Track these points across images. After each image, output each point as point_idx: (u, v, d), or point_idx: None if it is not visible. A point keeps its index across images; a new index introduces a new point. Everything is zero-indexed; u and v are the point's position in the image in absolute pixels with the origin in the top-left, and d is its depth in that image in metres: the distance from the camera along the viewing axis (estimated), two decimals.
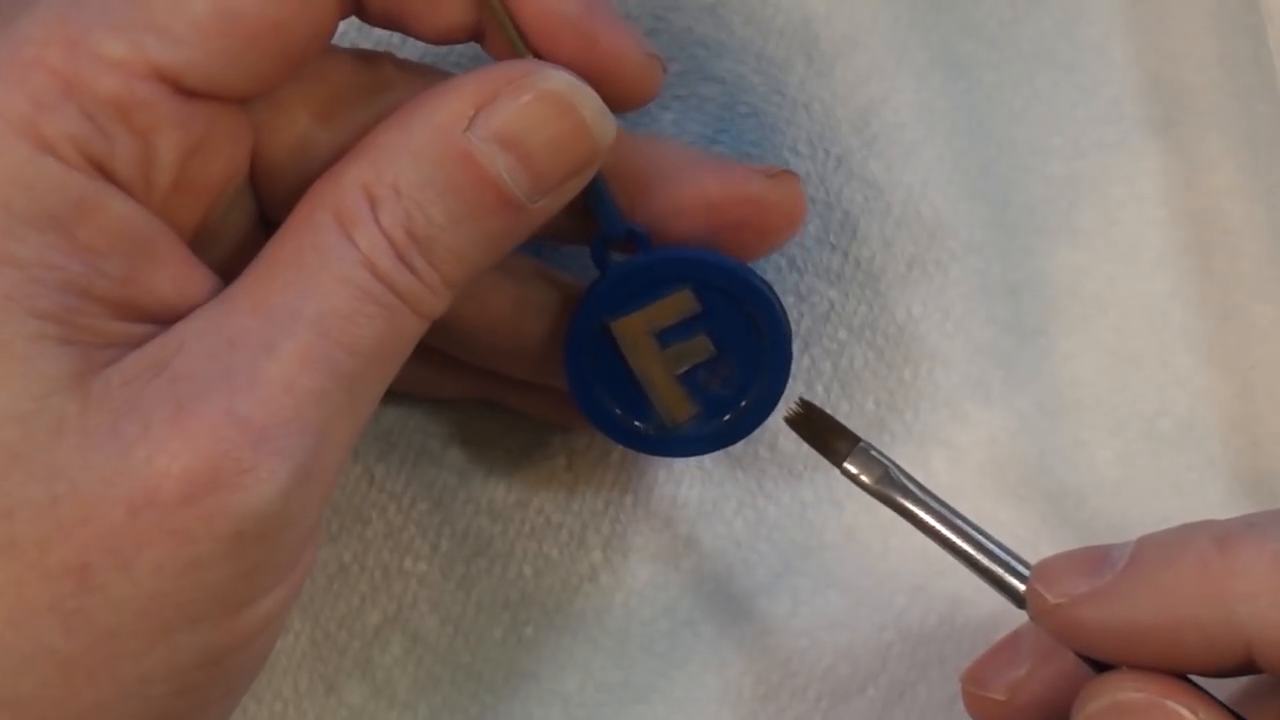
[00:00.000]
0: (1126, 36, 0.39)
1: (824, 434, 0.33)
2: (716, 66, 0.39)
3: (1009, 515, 0.38)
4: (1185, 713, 0.29)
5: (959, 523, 0.32)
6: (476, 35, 0.32)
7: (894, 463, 0.33)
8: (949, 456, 0.39)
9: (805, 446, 0.36)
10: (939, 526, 0.32)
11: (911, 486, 0.32)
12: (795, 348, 0.37)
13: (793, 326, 0.36)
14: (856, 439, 0.33)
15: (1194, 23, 0.39)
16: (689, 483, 0.39)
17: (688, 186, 0.34)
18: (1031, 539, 0.38)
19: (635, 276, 0.34)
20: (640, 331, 0.34)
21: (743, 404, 0.35)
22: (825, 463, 0.36)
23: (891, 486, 0.32)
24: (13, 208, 0.27)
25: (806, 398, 0.34)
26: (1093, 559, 0.30)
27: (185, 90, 0.29)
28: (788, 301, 0.39)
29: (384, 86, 0.32)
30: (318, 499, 0.29)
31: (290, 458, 0.28)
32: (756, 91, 0.39)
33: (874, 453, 0.33)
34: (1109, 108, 0.39)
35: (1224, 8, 0.39)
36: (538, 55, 0.31)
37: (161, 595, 0.27)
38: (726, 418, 0.35)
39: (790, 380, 0.35)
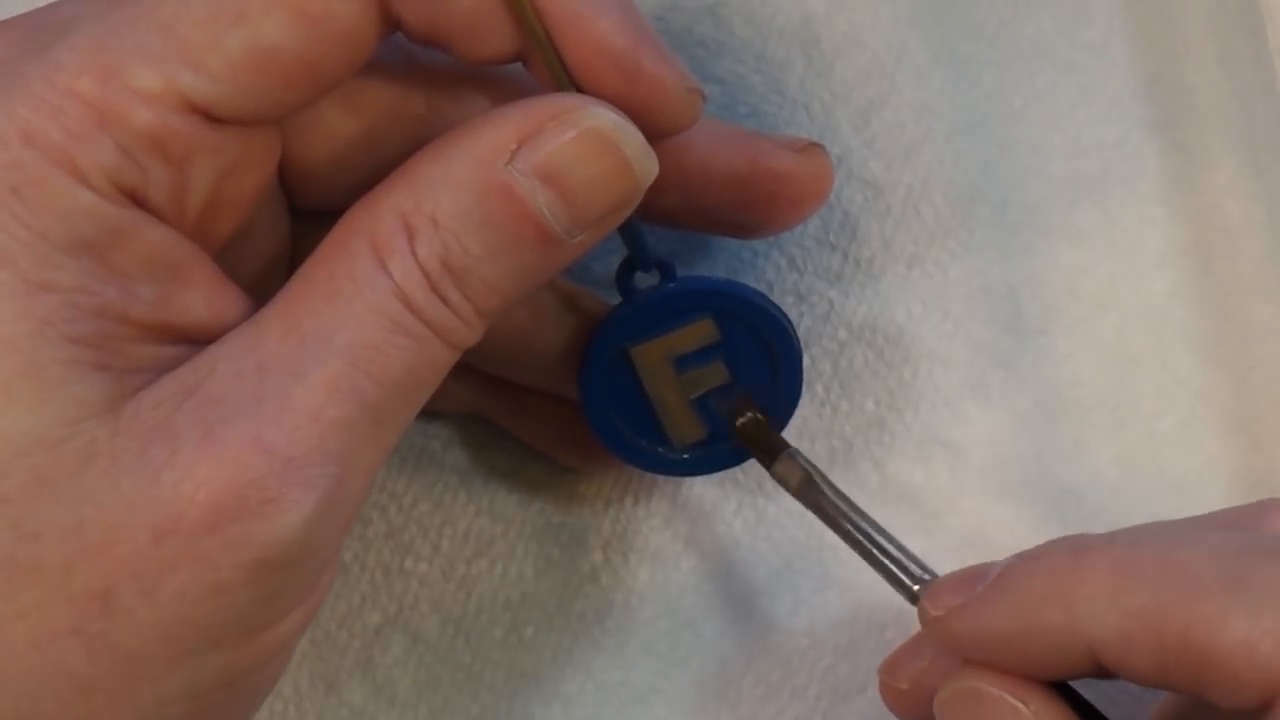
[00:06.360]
0: (1126, 36, 0.39)
1: (762, 441, 0.35)
2: (716, 66, 0.39)
3: (1009, 515, 0.39)
4: (1017, 704, 0.31)
5: (866, 527, 0.34)
6: (519, 59, 0.31)
7: (817, 469, 0.35)
8: (949, 456, 0.39)
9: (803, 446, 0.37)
10: (849, 529, 0.34)
11: (829, 492, 0.34)
12: None
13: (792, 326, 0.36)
14: (785, 444, 0.35)
15: (1194, 23, 0.39)
16: (689, 483, 0.39)
17: (717, 162, 0.34)
18: (1031, 538, 0.38)
19: (659, 305, 0.34)
20: (658, 357, 0.35)
21: None
22: (824, 462, 0.38)
23: (814, 490, 0.35)
24: (50, 236, 0.27)
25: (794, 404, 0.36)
26: (973, 575, 0.32)
27: (217, 119, 0.29)
28: (788, 301, 0.39)
29: (419, 78, 0.32)
30: (340, 527, 0.29)
31: (315, 488, 0.28)
32: (756, 91, 0.39)
33: (800, 459, 0.35)
34: (1109, 107, 0.39)
35: (1224, 8, 0.39)
36: (579, 86, 0.30)
37: (183, 620, 0.27)
38: (733, 442, 0.36)
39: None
